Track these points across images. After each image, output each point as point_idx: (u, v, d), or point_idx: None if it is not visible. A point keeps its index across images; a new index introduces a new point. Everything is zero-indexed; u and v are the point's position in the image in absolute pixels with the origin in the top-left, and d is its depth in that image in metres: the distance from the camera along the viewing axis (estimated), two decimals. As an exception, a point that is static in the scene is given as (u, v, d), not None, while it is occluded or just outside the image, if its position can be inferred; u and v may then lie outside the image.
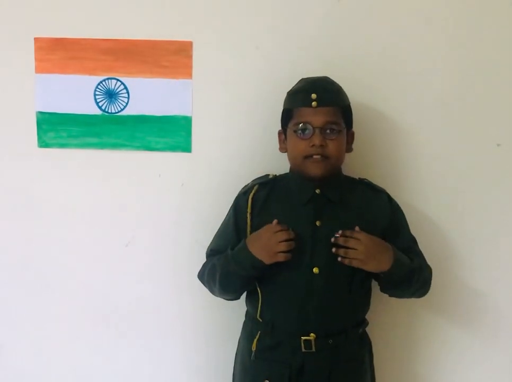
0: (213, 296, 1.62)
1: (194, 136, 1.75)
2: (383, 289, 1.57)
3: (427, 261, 1.60)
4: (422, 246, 1.61)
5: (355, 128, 1.57)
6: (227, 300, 1.61)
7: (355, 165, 1.68)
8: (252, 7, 1.69)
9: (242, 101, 1.72)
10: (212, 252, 1.61)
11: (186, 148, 1.75)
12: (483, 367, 1.83)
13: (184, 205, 1.77)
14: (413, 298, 1.60)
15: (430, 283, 1.58)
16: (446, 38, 1.69)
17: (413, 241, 1.61)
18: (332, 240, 1.45)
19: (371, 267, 1.45)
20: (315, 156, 1.46)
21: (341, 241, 1.44)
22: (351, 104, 1.54)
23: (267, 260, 1.44)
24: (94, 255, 1.80)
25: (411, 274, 1.49)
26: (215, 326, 1.80)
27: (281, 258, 1.43)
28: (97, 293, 1.82)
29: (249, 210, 1.53)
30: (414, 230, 1.61)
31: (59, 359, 1.86)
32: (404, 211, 1.60)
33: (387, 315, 1.77)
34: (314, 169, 1.47)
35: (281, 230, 1.44)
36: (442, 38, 1.69)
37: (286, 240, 1.43)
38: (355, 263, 1.43)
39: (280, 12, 1.69)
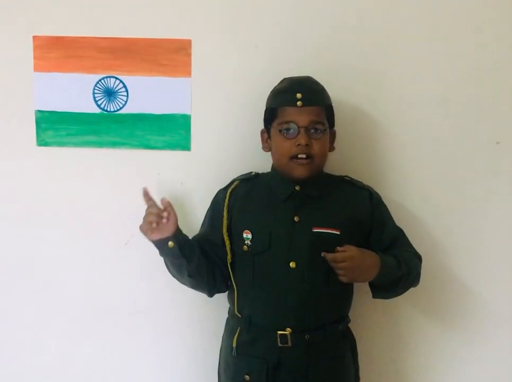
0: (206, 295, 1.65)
1: (193, 134, 1.75)
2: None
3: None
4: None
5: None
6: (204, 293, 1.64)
7: (343, 164, 1.70)
8: (252, 6, 1.69)
9: (241, 99, 1.73)
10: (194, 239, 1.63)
11: (186, 146, 1.75)
12: (472, 366, 1.83)
13: (183, 203, 1.76)
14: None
15: (419, 277, 1.59)
16: (443, 36, 1.69)
17: (399, 231, 1.61)
18: (322, 254, 1.46)
19: (359, 280, 1.50)
20: (300, 156, 1.47)
21: (328, 257, 1.45)
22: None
23: None
24: (93, 254, 1.80)
25: (396, 282, 1.52)
26: (210, 322, 1.80)
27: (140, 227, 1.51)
28: (96, 292, 1.81)
29: (226, 203, 1.56)
30: (412, 233, 1.63)
31: (57, 358, 1.85)
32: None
33: (372, 313, 1.77)
34: (299, 171, 1.49)
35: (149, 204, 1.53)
36: (439, 36, 1.69)
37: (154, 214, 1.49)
38: (344, 279, 1.45)
39: (279, 11, 1.69)
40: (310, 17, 1.69)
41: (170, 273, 1.60)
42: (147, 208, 1.53)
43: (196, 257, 1.53)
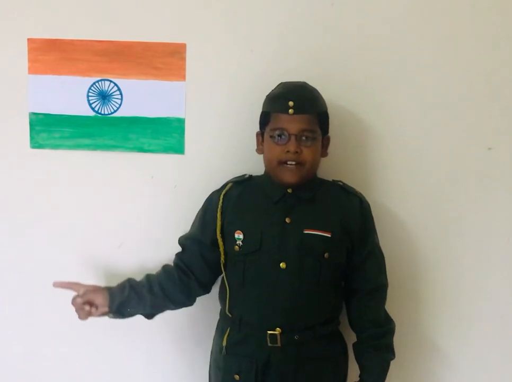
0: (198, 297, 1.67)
1: (187, 137, 1.75)
2: None
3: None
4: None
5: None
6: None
7: (334, 168, 1.70)
8: (247, 10, 1.70)
9: (235, 103, 1.73)
10: (180, 240, 1.65)
11: (179, 149, 1.76)
12: (472, 362, 1.84)
13: (177, 207, 1.77)
14: (388, 300, 1.62)
15: (389, 322, 1.61)
16: (435, 42, 1.70)
17: (376, 247, 1.60)
18: None
19: None
20: (289, 162, 1.49)
21: None
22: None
23: None
24: (86, 257, 1.79)
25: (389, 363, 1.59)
26: (200, 324, 1.80)
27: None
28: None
29: (220, 205, 1.57)
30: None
31: (51, 360, 1.85)
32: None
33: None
34: (288, 176, 1.50)
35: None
36: (430, 42, 1.70)
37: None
38: None
39: (274, 16, 1.70)
40: (305, 22, 1.70)
41: None
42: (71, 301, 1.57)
43: (147, 301, 1.58)
